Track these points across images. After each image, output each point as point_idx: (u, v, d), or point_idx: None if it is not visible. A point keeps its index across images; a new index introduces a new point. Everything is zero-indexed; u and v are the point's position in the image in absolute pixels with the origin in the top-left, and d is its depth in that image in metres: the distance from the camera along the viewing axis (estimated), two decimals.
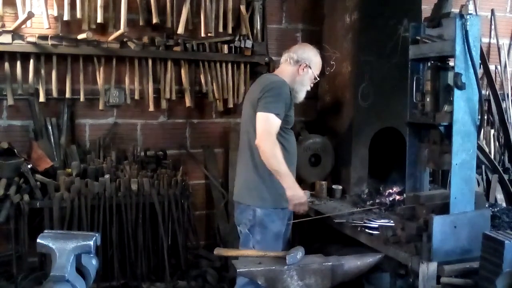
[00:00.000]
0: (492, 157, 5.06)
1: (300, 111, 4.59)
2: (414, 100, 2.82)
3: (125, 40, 3.91)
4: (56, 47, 3.71)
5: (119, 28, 3.77)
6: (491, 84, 5.05)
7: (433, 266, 2.48)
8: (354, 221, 3.20)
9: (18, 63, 3.67)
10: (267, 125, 2.89)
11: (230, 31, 4.22)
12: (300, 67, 3.14)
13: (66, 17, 3.71)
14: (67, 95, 3.80)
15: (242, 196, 3.09)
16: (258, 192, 2.99)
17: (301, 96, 3.21)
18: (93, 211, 3.61)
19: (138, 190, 3.71)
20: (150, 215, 3.77)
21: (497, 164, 5.00)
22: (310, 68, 3.16)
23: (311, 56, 3.19)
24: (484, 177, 4.93)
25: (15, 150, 3.63)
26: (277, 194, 2.97)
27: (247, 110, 3.10)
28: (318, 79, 3.27)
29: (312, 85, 3.26)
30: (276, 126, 2.91)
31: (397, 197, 3.57)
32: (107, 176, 3.68)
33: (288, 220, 3.18)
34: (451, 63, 2.63)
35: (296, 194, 2.93)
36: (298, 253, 2.38)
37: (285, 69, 3.18)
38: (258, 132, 2.90)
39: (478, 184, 4.78)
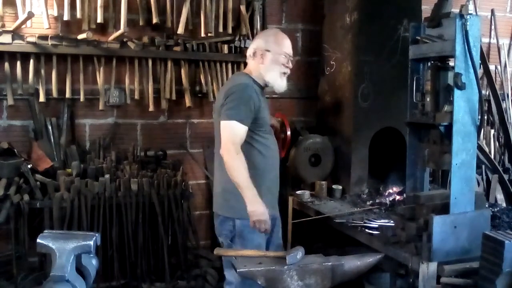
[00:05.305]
0: (492, 157, 5.06)
1: (300, 111, 4.61)
2: (414, 100, 2.82)
3: (125, 40, 3.92)
4: (56, 47, 3.71)
5: (119, 28, 3.78)
6: (491, 84, 5.05)
7: (433, 266, 2.48)
8: (354, 221, 3.20)
9: (18, 63, 3.67)
10: (230, 134, 2.73)
11: (230, 31, 4.22)
12: (258, 57, 2.93)
13: (66, 17, 3.70)
14: (67, 95, 3.80)
15: (221, 207, 2.95)
16: (235, 203, 2.79)
17: (279, 84, 2.96)
18: (93, 211, 3.61)
19: (138, 190, 3.71)
20: (150, 215, 3.76)
21: (497, 164, 5.00)
22: (269, 51, 2.92)
23: (263, 40, 2.97)
24: (484, 177, 4.93)
25: (15, 150, 3.63)
26: None
27: (216, 118, 2.93)
28: (288, 53, 2.96)
29: (286, 64, 2.96)
30: (241, 133, 2.75)
31: (397, 197, 3.57)
32: (107, 176, 3.68)
33: (275, 227, 3.03)
34: (451, 63, 2.63)
35: (256, 210, 2.67)
36: (298, 253, 2.38)
37: (250, 66, 3.02)
38: (222, 142, 2.76)
39: (478, 184, 4.78)
